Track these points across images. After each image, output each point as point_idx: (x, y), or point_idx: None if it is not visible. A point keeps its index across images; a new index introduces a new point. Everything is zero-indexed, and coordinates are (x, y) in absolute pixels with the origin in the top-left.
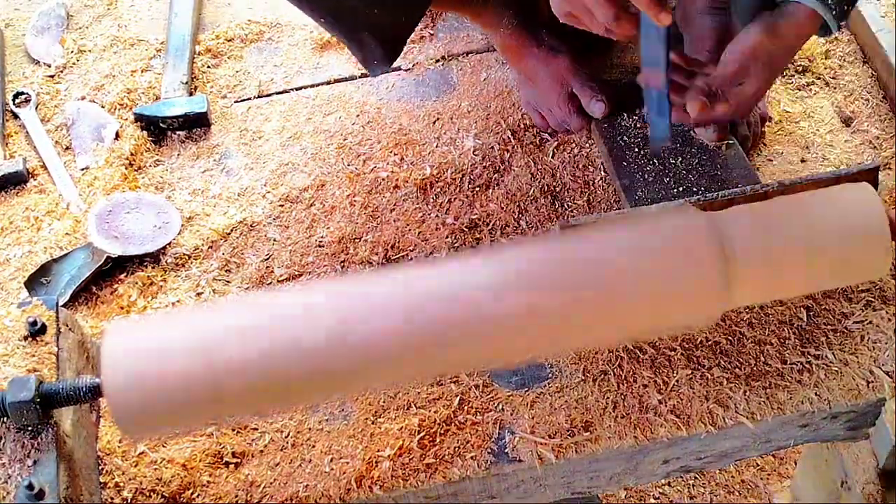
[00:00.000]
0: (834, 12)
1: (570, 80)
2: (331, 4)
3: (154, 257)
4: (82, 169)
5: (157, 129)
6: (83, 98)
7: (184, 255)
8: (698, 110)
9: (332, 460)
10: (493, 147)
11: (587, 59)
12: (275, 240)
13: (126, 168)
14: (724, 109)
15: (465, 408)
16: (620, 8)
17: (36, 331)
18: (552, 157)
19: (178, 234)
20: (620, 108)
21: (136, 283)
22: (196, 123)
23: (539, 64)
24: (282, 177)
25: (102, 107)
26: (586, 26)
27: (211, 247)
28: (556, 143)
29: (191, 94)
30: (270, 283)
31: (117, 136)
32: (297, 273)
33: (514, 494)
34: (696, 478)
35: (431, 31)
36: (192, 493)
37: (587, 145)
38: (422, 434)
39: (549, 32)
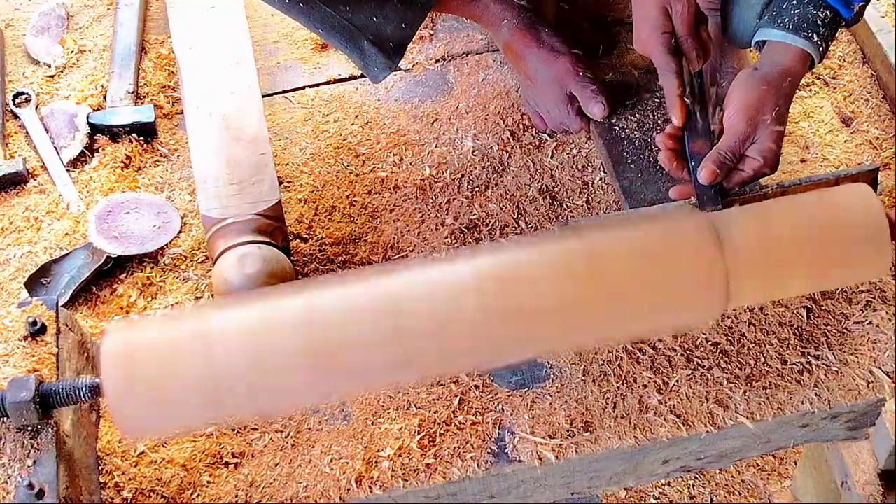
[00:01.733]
0: (820, 48)
1: (571, 80)
2: (328, 15)
3: (153, 258)
4: (70, 162)
5: (111, 135)
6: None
7: (182, 255)
8: (709, 177)
9: (332, 460)
10: (491, 147)
11: (587, 60)
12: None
13: (122, 169)
14: (754, 166)
15: (465, 408)
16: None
17: (36, 331)
18: (551, 158)
19: (178, 234)
20: (622, 109)
21: (136, 283)
22: (142, 132)
23: (540, 64)
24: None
25: (67, 98)
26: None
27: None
28: (554, 143)
29: (137, 100)
30: None
31: (93, 128)
32: (296, 274)
33: (514, 494)
34: (696, 478)
35: (431, 32)
36: (192, 494)
37: (586, 146)
38: (422, 434)
39: (550, 32)
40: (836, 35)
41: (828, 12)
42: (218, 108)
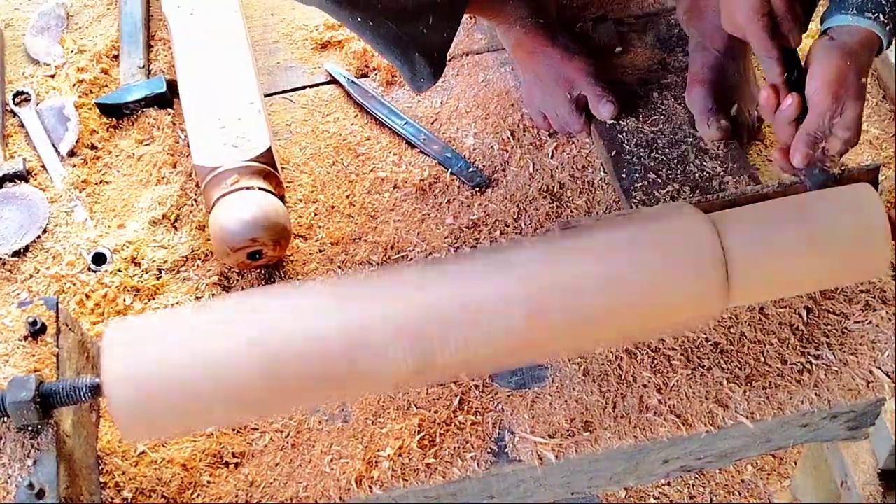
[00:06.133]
0: (888, 28)
1: (582, 81)
2: (387, 29)
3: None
4: (67, 154)
5: (121, 115)
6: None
7: (183, 257)
8: (804, 161)
9: (332, 460)
10: (492, 147)
11: (596, 60)
12: None
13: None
14: (837, 143)
15: (465, 408)
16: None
17: (36, 331)
18: (551, 158)
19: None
20: (623, 109)
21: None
22: (158, 103)
23: (552, 63)
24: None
25: (54, 88)
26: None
27: (210, 250)
28: (554, 143)
29: (149, 75)
30: (273, 282)
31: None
32: (296, 274)
33: (513, 494)
34: (696, 478)
35: None
36: (192, 494)
37: (586, 146)
38: (422, 434)
39: (564, 34)
40: None
41: None
42: (208, 67)
